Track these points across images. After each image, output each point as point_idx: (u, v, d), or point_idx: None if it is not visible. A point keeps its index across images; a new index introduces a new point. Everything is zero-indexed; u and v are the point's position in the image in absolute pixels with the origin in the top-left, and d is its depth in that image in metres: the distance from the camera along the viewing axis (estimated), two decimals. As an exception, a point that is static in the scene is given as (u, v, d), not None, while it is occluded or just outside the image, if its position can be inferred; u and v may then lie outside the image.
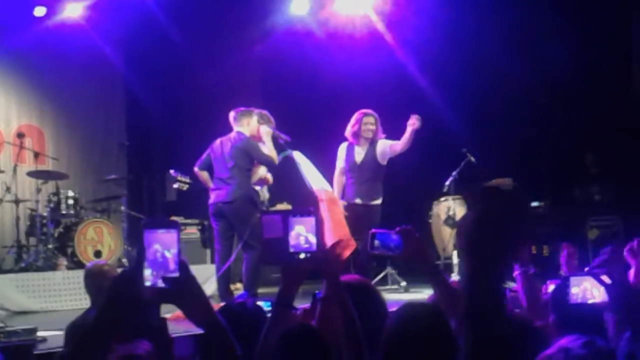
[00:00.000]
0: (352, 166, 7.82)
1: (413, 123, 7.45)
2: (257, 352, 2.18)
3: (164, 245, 1.70)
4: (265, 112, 7.52)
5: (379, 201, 7.81)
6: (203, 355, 1.98)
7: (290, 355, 2.17)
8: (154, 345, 2.27)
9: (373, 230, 2.60)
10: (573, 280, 2.78)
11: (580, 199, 10.07)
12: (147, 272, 1.69)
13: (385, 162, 7.80)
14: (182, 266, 1.73)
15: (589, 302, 2.78)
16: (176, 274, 1.70)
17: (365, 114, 7.82)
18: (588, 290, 2.78)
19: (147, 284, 1.69)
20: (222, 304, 6.43)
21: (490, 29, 9.89)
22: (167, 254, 1.70)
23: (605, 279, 2.64)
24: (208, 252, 9.56)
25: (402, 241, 2.50)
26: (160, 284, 1.70)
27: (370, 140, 7.79)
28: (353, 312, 2.30)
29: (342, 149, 7.92)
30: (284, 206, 8.54)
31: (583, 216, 9.64)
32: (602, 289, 2.72)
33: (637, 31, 10.08)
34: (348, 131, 7.85)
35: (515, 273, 3.49)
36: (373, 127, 7.78)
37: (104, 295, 1.72)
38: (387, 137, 7.81)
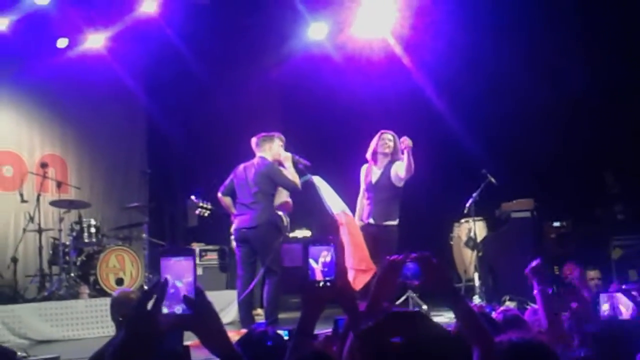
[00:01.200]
0: (369, 186, 7.85)
1: (403, 143, 7.44)
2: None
3: (175, 274, 1.71)
4: (278, 134, 7.54)
5: (394, 222, 7.77)
6: None
7: None
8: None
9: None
10: (602, 297, 2.77)
11: (602, 219, 9.99)
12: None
13: (400, 184, 7.77)
14: (198, 293, 1.74)
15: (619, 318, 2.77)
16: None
17: (383, 132, 7.87)
18: (616, 306, 2.77)
19: (165, 311, 1.70)
20: (243, 330, 6.46)
21: (507, 50, 9.89)
22: (178, 284, 1.71)
23: (636, 295, 2.62)
24: (224, 277, 9.63)
25: (420, 269, 2.45)
26: (177, 311, 1.71)
27: (389, 159, 7.79)
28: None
29: (363, 170, 7.96)
30: (302, 232, 8.54)
31: (606, 236, 9.55)
32: (631, 305, 2.70)
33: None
34: (368, 152, 7.89)
35: (535, 292, 3.48)
36: (391, 144, 7.78)
37: (123, 326, 1.73)
38: None
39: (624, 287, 3.24)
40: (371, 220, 7.76)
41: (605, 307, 2.80)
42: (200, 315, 1.75)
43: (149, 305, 1.69)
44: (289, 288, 6.77)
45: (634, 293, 2.67)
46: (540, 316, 3.43)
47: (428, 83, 10.23)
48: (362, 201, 7.94)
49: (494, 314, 3.87)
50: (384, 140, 7.80)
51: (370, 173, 7.88)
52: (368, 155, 7.90)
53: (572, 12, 9.94)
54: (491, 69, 10.14)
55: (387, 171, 7.78)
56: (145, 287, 8.88)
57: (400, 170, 7.64)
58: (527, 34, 9.94)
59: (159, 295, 1.70)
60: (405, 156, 7.47)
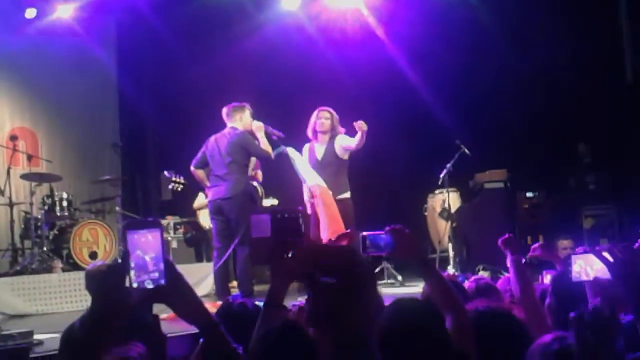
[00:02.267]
0: (315, 164, 7.71)
1: (360, 127, 7.39)
2: (248, 352, 2.17)
3: (143, 247, 1.69)
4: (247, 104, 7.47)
5: (346, 194, 7.70)
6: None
7: (272, 353, 2.15)
8: (148, 345, 2.26)
9: (363, 233, 2.62)
10: (574, 258, 2.78)
11: (574, 189, 10.09)
12: (132, 273, 1.69)
13: (346, 157, 7.72)
14: (168, 265, 1.72)
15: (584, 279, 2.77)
16: (155, 275, 1.70)
17: (321, 110, 7.78)
18: (583, 268, 2.78)
19: (134, 285, 1.68)
20: (219, 302, 6.47)
21: (481, 20, 9.89)
22: (146, 257, 1.69)
23: (607, 255, 2.62)
24: (196, 250, 9.68)
25: (392, 240, 2.50)
26: (148, 285, 1.69)
27: (330, 135, 7.72)
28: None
29: (305, 149, 7.83)
30: (270, 201, 8.47)
31: (578, 206, 9.67)
32: (600, 266, 2.70)
33: (627, 23, 10.11)
34: (309, 129, 7.80)
35: (507, 260, 3.51)
36: (328, 121, 7.70)
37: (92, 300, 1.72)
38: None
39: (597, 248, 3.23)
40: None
41: (576, 268, 2.80)
42: (172, 286, 1.74)
43: (115, 279, 1.68)
44: (257, 259, 6.76)
45: (604, 254, 2.67)
46: (513, 286, 3.46)
47: (402, 54, 10.20)
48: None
49: (466, 283, 3.90)
50: (322, 119, 7.71)
51: (314, 151, 7.79)
52: (309, 133, 7.81)
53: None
54: (466, 39, 10.14)
55: (330, 147, 7.68)
56: (120, 260, 8.83)
57: (349, 143, 7.58)
58: (501, 5, 9.93)
59: (122, 268, 1.68)
60: (358, 136, 7.43)
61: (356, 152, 7.67)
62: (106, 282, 1.69)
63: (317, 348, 2.17)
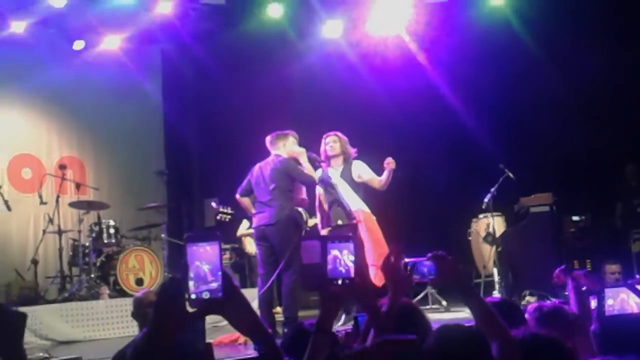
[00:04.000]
0: (328, 189, 7.58)
1: (388, 164, 7.33)
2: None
3: (201, 259, 1.75)
4: (291, 131, 7.49)
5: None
6: None
7: None
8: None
9: (406, 259, 2.63)
10: (608, 292, 2.73)
11: (622, 212, 9.92)
12: (190, 284, 1.74)
13: (361, 181, 7.57)
14: (225, 277, 1.76)
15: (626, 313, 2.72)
16: (213, 285, 1.74)
17: (327, 135, 7.68)
18: (625, 301, 2.73)
19: (192, 296, 1.73)
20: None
21: (522, 43, 9.84)
22: (205, 268, 1.74)
23: None
24: (237, 276, 9.72)
25: (435, 266, 2.51)
26: (205, 296, 1.73)
27: (343, 158, 7.61)
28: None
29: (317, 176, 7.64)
30: (313, 220, 8.43)
31: (626, 229, 9.49)
32: (638, 300, 2.66)
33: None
34: (322, 156, 7.64)
35: (568, 287, 3.45)
36: (336, 144, 7.60)
37: (152, 311, 1.75)
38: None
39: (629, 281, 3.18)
40: (339, 222, 7.48)
41: (610, 302, 2.75)
42: (229, 298, 1.77)
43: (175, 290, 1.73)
44: (307, 285, 6.75)
45: (638, 287, 2.63)
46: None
47: (443, 79, 10.18)
48: (323, 206, 7.68)
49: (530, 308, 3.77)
50: (329, 143, 7.61)
51: (326, 177, 7.58)
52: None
53: (589, 3, 9.86)
54: (507, 63, 10.09)
55: (347, 170, 7.57)
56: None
57: (371, 178, 7.52)
58: (544, 27, 9.87)
59: (181, 278, 1.72)
60: (385, 174, 7.39)
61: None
62: (166, 294, 1.73)
63: None
